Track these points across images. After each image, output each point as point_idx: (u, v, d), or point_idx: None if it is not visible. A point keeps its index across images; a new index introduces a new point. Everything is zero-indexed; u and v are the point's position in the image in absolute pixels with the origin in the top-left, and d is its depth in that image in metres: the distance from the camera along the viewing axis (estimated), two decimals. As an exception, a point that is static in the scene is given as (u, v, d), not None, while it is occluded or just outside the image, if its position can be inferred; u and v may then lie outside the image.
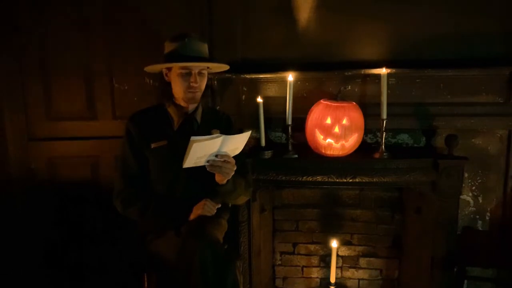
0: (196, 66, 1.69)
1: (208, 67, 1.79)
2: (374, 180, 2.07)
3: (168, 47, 1.72)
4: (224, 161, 1.57)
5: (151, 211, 1.73)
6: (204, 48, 1.74)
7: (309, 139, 2.16)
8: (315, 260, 2.56)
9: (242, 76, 2.24)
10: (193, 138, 1.44)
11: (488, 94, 2.14)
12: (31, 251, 2.50)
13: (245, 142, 1.63)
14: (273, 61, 2.28)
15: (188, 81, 1.69)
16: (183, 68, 1.68)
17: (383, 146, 2.08)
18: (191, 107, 1.80)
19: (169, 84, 1.76)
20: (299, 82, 2.22)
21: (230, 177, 1.64)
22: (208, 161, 1.56)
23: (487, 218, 2.34)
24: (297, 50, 2.29)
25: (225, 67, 1.87)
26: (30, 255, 2.50)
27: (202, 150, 1.49)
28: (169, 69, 1.74)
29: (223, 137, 1.49)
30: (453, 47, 2.18)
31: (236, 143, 1.59)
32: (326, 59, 2.26)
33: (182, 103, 1.77)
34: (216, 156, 1.56)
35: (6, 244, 2.47)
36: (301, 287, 2.60)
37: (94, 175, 2.50)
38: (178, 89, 1.73)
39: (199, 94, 1.75)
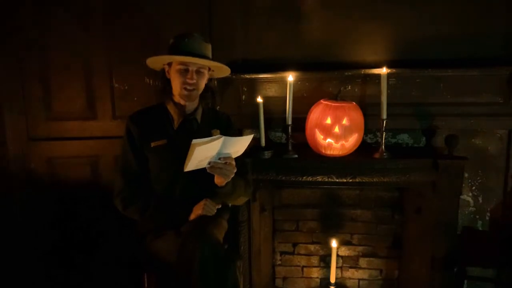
0: (193, 63, 1.69)
1: (210, 69, 1.79)
2: (374, 180, 2.07)
3: (171, 43, 1.73)
4: (225, 163, 1.57)
5: (151, 210, 1.73)
6: (206, 48, 1.75)
7: (309, 139, 2.16)
8: (315, 260, 2.56)
9: (242, 76, 2.24)
10: (194, 141, 1.44)
11: (488, 94, 2.14)
12: (30, 251, 2.50)
13: (246, 146, 1.63)
14: (273, 61, 2.28)
15: (185, 78, 1.69)
16: (181, 64, 1.69)
17: (383, 146, 2.08)
18: (191, 106, 1.81)
19: (169, 82, 1.77)
20: (299, 82, 2.22)
21: (230, 179, 1.64)
22: (209, 163, 1.56)
23: (487, 218, 2.34)
24: (297, 50, 2.29)
25: (226, 69, 1.86)
26: (29, 255, 2.50)
27: (203, 153, 1.49)
28: (170, 65, 1.74)
29: (223, 138, 1.49)
30: (453, 47, 2.18)
31: (237, 146, 1.59)
32: (326, 59, 2.26)
33: (181, 101, 1.77)
34: (219, 159, 1.56)
35: (6, 244, 2.47)
36: (301, 287, 2.60)
37: (94, 175, 2.50)
38: (175, 85, 1.74)
39: (195, 93, 1.75)
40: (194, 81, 1.71)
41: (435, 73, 2.13)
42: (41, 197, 2.49)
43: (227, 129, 1.80)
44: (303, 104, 2.18)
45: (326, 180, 2.09)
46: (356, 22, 2.23)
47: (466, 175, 2.24)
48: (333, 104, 2.07)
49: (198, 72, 1.72)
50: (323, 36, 2.27)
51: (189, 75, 1.70)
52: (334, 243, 2.32)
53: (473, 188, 2.33)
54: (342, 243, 2.48)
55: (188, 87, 1.71)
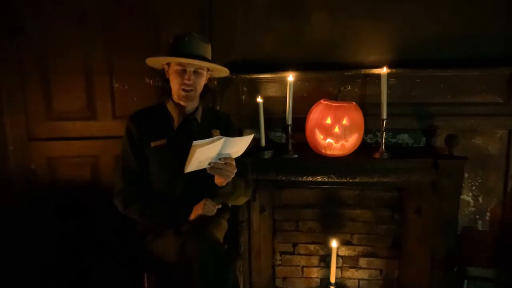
0: (191, 64, 1.69)
1: (209, 70, 1.79)
2: (374, 180, 2.07)
3: (170, 43, 1.73)
4: (226, 163, 1.57)
5: (151, 210, 1.74)
6: (204, 48, 1.74)
7: (309, 139, 2.16)
8: (315, 260, 2.55)
9: (242, 76, 2.24)
10: (195, 143, 1.43)
11: (488, 94, 2.14)
12: (30, 251, 2.50)
13: (246, 146, 1.63)
14: (273, 61, 2.28)
15: (183, 78, 1.69)
16: (179, 65, 1.69)
17: (383, 146, 2.08)
18: (191, 106, 1.81)
19: (169, 82, 1.77)
20: (299, 82, 2.22)
21: (230, 179, 1.64)
22: (209, 164, 1.56)
23: (487, 218, 2.34)
24: (297, 50, 2.29)
25: (225, 71, 1.86)
26: (29, 255, 2.50)
27: (204, 154, 1.49)
28: (169, 65, 1.74)
29: (224, 139, 1.49)
30: (454, 47, 2.18)
31: (238, 146, 1.59)
32: (326, 59, 2.26)
33: (180, 102, 1.77)
34: (220, 159, 1.56)
35: (6, 244, 2.47)
36: (301, 287, 2.60)
37: (94, 175, 2.49)
38: (173, 86, 1.75)
39: (193, 94, 1.74)
40: (191, 82, 1.71)
41: (435, 73, 2.13)
42: (41, 197, 2.49)
43: (227, 129, 1.80)
44: (303, 104, 2.17)
45: (326, 180, 2.09)
46: (356, 22, 2.23)
47: (466, 175, 2.24)
48: (333, 104, 2.07)
49: (196, 73, 1.72)
50: (323, 36, 2.27)
51: (186, 76, 1.70)
52: (334, 243, 2.32)
53: (473, 188, 2.33)
54: (342, 243, 2.48)
55: (186, 88, 1.71)
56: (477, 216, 2.35)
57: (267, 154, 2.14)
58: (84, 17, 2.35)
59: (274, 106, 2.24)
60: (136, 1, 2.34)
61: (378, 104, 2.05)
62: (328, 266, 2.45)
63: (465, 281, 2.25)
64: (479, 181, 2.32)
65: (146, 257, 1.77)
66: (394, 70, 2.09)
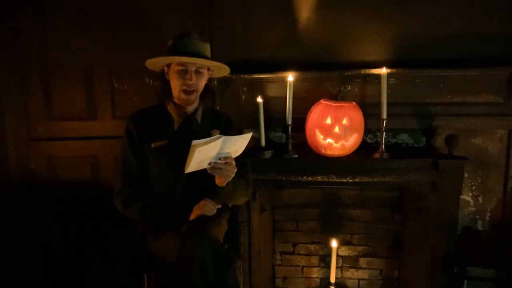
0: (192, 63, 1.69)
1: (209, 69, 1.79)
2: (374, 180, 2.07)
3: (169, 44, 1.73)
4: (226, 163, 1.57)
5: (151, 210, 1.73)
6: (205, 48, 1.74)
7: (309, 139, 2.16)
8: (315, 260, 2.55)
9: (242, 76, 2.24)
10: (194, 142, 1.43)
11: (488, 94, 2.14)
12: (30, 251, 2.50)
13: (246, 144, 1.63)
14: (273, 61, 2.28)
15: (184, 79, 1.69)
16: (180, 65, 1.69)
17: (383, 146, 2.08)
18: (191, 107, 1.80)
19: (169, 83, 1.77)
20: (299, 82, 2.22)
21: (231, 179, 1.63)
22: (209, 164, 1.56)
23: (487, 218, 2.34)
24: (297, 50, 2.29)
25: (226, 69, 1.86)
26: (29, 255, 2.50)
27: (203, 154, 1.49)
28: (169, 66, 1.74)
29: (223, 138, 1.49)
30: (453, 47, 2.18)
31: (237, 144, 1.59)
32: (326, 59, 2.26)
33: (181, 103, 1.77)
34: (220, 159, 1.56)
35: (6, 244, 2.47)
36: (301, 287, 2.60)
37: (94, 175, 2.50)
38: (174, 87, 1.74)
39: (194, 96, 1.74)
40: (193, 81, 1.71)
41: (435, 73, 2.13)
42: (41, 197, 2.49)
43: (227, 129, 1.80)
44: (303, 104, 2.18)
45: (326, 180, 2.09)
46: (356, 22, 2.23)
47: (466, 175, 2.24)
48: (333, 104, 2.07)
49: (197, 72, 1.72)
50: (323, 36, 2.27)
51: (188, 75, 1.69)
52: (334, 243, 2.32)
53: (473, 188, 2.33)
54: (342, 243, 2.48)
55: (187, 89, 1.71)
56: (477, 216, 2.35)
57: (267, 154, 2.14)
58: (84, 18, 2.35)
59: (274, 106, 2.24)
60: (136, 2, 2.34)
61: (378, 104, 2.05)
62: (328, 266, 2.45)
63: (465, 281, 2.25)
64: (479, 181, 2.32)
65: (146, 257, 1.77)
66: (394, 70, 2.09)
